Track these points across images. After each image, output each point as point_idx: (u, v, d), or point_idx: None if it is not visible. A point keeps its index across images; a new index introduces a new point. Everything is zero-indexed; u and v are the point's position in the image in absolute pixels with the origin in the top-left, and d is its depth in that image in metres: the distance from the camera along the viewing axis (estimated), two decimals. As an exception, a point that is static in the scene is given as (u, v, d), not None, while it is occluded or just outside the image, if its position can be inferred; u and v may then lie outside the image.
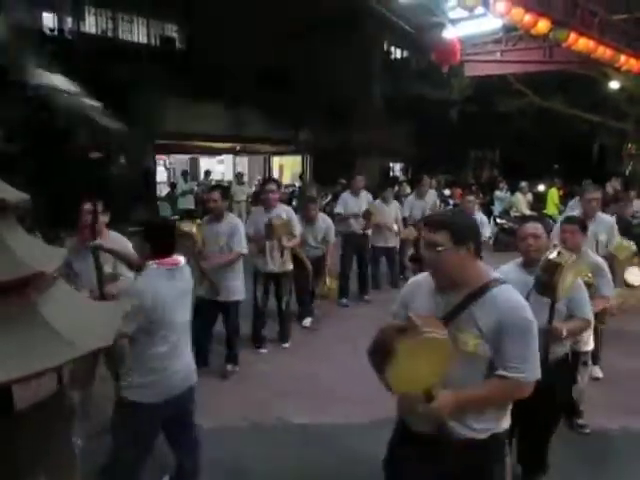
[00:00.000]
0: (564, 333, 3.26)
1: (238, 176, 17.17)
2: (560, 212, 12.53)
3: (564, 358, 3.50)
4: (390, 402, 2.48)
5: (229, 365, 5.56)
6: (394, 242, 8.81)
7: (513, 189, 14.82)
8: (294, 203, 16.54)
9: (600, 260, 4.23)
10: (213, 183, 17.58)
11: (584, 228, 4.03)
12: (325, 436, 4.28)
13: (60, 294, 1.63)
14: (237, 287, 5.45)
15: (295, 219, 6.38)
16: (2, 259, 1.47)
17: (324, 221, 7.30)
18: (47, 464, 1.71)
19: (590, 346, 4.21)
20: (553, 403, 3.40)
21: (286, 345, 6.36)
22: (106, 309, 1.74)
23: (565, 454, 3.90)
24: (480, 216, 7.62)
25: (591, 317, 3.48)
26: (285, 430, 4.40)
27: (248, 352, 6.00)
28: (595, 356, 4.93)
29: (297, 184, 21.12)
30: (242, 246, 5.38)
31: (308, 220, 7.13)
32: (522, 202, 13.99)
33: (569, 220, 4.14)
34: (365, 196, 8.51)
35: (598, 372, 5.33)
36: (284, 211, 6.23)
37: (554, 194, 14.08)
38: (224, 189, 5.90)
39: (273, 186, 6.28)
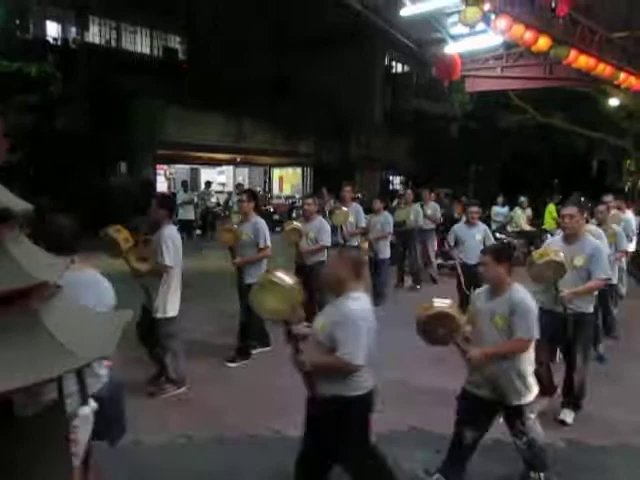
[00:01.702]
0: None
1: (238, 187, 17.23)
2: (558, 226, 12.57)
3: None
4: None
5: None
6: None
7: (512, 204, 14.80)
8: (294, 214, 16.55)
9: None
10: (213, 194, 17.70)
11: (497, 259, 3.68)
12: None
13: (62, 304, 1.63)
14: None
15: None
16: (6, 269, 1.48)
17: (320, 221, 7.27)
18: (45, 475, 1.70)
19: None
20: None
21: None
22: (108, 319, 1.74)
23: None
24: (484, 228, 7.72)
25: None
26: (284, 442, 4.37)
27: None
28: None
29: (297, 196, 21.20)
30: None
31: (305, 217, 7.31)
32: (521, 217, 13.99)
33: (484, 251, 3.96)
34: (355, 207, 8.52)
35: None
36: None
37: (552, 209, 14.09)
38: (252, 193, 6.71)
39: (310, 200, 7.27)
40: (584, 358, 4.78)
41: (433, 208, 10.75)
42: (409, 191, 10.78)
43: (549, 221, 13.81)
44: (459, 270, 7.51)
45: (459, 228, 7.78)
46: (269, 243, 6.06)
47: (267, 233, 6.07)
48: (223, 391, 5.32)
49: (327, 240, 7.02)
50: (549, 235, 12.78)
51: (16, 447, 1.60)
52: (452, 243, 7.69)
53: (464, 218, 8.06)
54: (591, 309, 4.81)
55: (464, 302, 7.08)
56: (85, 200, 6.44)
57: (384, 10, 10.34)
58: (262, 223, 6.09)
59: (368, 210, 8.92)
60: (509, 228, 13.89)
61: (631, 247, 8.11)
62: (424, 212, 10.40)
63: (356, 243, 8.29)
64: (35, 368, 1.42)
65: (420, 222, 10.13)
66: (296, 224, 7.11)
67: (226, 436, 4.41)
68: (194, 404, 4.94)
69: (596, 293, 4.95)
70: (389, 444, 3.61)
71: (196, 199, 16.69)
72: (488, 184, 19.82)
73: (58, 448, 1.71)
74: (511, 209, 14.56)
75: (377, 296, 8.18)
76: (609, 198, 13.06)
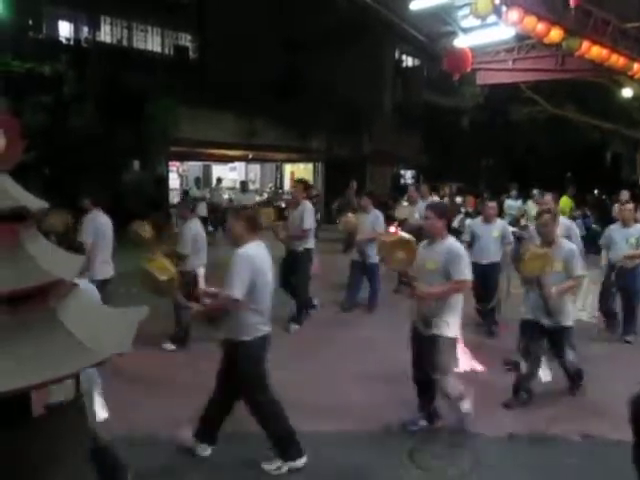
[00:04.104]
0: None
1: (243, 184, 16.94)
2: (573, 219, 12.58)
3: None
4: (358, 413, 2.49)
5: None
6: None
7: (524, 197, 14.69)
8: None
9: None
10: (224, 190, 17.73)
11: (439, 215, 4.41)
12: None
13: (78, 301, 1.66)
14: None
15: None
16: (23, 266, 1.50)
17: (304, 205, 7.41)
18: (63, 471, 1.73)
19: None
20: None
21: None
22: (124, 316, 1.77)
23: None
24: (503, 224, 7.69)
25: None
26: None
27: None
28: None
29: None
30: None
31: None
32: (534, 210, 13.86)
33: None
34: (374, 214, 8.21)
35: None
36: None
37: (566, 202, 13.97)
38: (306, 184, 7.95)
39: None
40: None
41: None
42: (412, 187, 10.29)
43: (563, 213, 13.65)
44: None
45: (475, 224, 7.54)
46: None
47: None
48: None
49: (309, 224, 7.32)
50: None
51: (33, 443, 1.63)
52: (468, 239, 7.17)
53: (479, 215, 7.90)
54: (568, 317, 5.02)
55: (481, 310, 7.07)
56: (98, 197, 6.61)
57: (394, 4, 10.28)
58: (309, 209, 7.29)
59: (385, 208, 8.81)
60: (522, 221, 13.80)
61: None
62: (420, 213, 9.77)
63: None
64: (54, 365, 1.44)
65: None
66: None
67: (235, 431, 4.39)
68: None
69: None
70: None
71: (208, 196, 16.74)
72: (500, 178, 19.66)
73: (74, 445, 1.74)
74: (524, 202, 14.46)
75: (370, 304, 8.13)
76: (626, 195, 13.02)
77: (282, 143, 18.75)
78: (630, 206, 7.09)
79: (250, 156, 19.56)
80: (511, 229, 13.37)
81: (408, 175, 25.85)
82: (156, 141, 14.39)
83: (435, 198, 10.48)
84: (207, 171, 20.18)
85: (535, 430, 4.49)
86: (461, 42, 9.94)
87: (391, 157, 21.61)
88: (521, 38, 10.48)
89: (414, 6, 9.05)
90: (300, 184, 7.75)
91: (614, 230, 7.03)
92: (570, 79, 13.04)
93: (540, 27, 7.82)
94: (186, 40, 18.61)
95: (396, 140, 20.93)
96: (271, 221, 7.30)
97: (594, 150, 22.21)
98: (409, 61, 25.71)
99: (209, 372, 4.04)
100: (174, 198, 17.49)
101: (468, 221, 9.32)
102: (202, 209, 15.81)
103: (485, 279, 6.71)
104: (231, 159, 19.86)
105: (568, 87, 16.28)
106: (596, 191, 19.31)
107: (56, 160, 12.23)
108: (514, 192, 14.96)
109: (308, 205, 7.33)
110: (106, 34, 16.75)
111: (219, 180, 17.73)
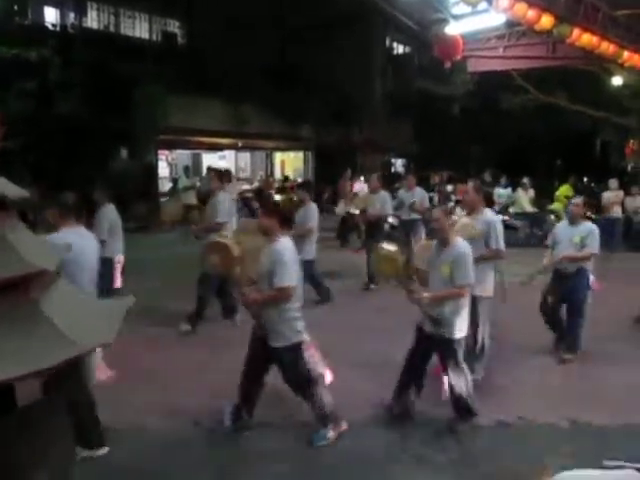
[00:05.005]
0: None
1: (226, 173, 16.20)
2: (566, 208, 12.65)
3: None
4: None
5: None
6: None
7: (514, 185, 14.73)
8: (295, 198, 16.46)
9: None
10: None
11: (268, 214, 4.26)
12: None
13: (61, 292, 1.63)
14: None
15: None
16: (4, 257, 1.47)
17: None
18: (49, 461, 1.71)
19: None
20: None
21: None
22: (109, 307, 1.74)
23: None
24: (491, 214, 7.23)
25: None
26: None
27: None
28: None
29: (299, 179, 21.16)
30: None
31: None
32: (524, 198, 13.93)
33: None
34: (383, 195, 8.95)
35: None
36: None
37: (567, 190, 14.02)
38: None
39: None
40: None
41: (420, 195, 9.48)
42: (374, 175, 9.61)
43: (560, 201, 13.68)
44: None
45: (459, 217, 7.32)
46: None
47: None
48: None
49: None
50: (552, 216, 12.74)
51: (18, 434, 1.61)
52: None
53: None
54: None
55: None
56: (86, 185, 6.51)
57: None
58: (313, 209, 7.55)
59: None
60: (512, 209, 13.84)
61: None
62: (406, 201, 9.34)
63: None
64: (36, 357, 1.41)
65: (388, 211, 9.23)
66: None
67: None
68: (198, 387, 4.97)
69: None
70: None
71: (198, 184, 16.62)
72: (490, 165, 19.65)
73: (59, 435, 1.72)
74: (514, 190, 14.50)
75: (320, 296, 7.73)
76: (614, 184, 13.08)
77: (272, 131, 18.66)
78: (578, 201, 5.99)
79: (240, 144, 19.45)
80: (500, 217, 13.51)
81: (399, 163, 25.83)
82: (145, 129, 14.25)
83: (419, 189, 9.73)
84: (197, 159, 20.05)
85: (524, 417, 4.53)
86: (452, 29, 9.86)
87: (382, 145, 21.56)
88: (512, 25, 10.43)
89: (405, -7, 8.99)
90: (213, 172, 7.37)
91: (560, 227, 6.11)
92: (561, 66, 13.02)
93: (531, 13, 7.76)
94: (174, 27, 18.41)
95: (387, 128, 20.87)
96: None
97: (584, 137, 22.28)
98: (400, 49, 25.61)
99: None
100: (164, 187, 17.38)
101: (458, 210, 9.26)
102: (191, 197, 15.69)
103: None
104: (221, 147, 19.74)
105: (559, 75, 16.28)
106: (585, 179, 19.41)
107: (41, 147, 12.09)
108: (503, 180, 14.99)
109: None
110: (93, 20, 16.53)
111: (209, 169, 17.59)
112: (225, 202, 6.73)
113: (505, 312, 6.06)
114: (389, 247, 4.89)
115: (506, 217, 13.42)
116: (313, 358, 4.28)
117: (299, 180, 20.90)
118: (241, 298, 4.31)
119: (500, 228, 5.28)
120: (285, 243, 4.07)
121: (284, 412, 4.52)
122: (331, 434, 4.11)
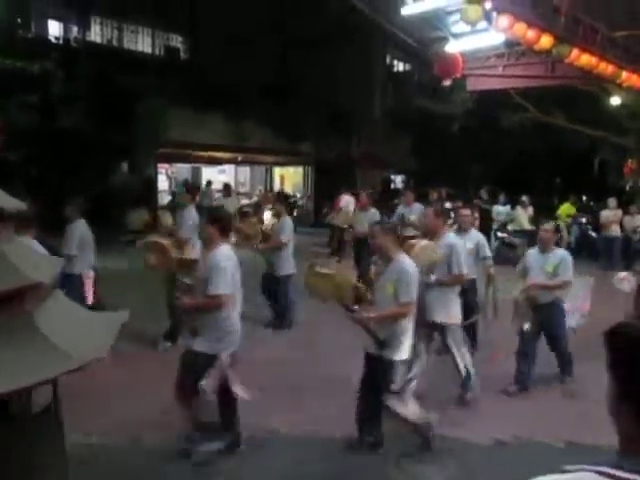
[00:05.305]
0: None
1: (225, 188, 15.06)
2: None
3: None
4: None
5: None
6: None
7: (513, 203, 14.77)
8: (295, 213, 16.51)
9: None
10: (214, 193, 17.61)
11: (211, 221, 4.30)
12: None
13: (56, 305, 1.62)
14: None
15: None
16: (1, 269, 1.46)
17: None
18: (41, 473, 1.70)
19: None
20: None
21: None
22: (103, 320, 1.73)
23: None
24: (476, 234, 6.71)
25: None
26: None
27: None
28: None
29: (298, 195, 21.20)
30: None
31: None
32: (523, 216, 13.96)
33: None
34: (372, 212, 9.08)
35: None
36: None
37: (568, 209, 14.18)
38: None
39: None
40: None
41: (418, 211, 8.90)
42: (364, 193, 9.51)
43: (562, 219, 13.88)
44: None
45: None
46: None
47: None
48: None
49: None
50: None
51: (12, 447, 1.59)
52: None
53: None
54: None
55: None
56: (88, 199, 6.53)
57: (385, 9, 10.29)
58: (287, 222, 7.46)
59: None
60: (510, 227, 13.86)
61: None
62: (405, 217, 9.09)
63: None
64: (30, 370, 1.40)
65: None
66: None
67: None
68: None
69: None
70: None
71: (198, 198, 16.60)
72: (489, 183, 19.69)
73: (53, 447, 1.70)
74: (512, 208, 14.53)
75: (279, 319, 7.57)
76: (613, 202, 13.14)
77: (272, 146, 18.73)
78: (549, 227, 5.73)
79: (239, 159, 19.52)
80: (499, 234, 13.56)
81: (398, 180, 25.89)
82: (146, 142, 14.31)
83: (418, 205, 9.41)
84: (196, 173, 20.11)
85: (520, 437, 4.50)
86: (452, 47, 9.96)
87: (381, 161, 21.64)
88: (511, 44, 10.53)
89: (405, 11, 9.05)
90: (186, 186, 8.43)
91: (531, 255, 5.78)
92: (560, 86, 13.11)
93: (530, 34, 7.84)
94: (177, 41, 18.56)
95: (386, 145, 20.96)
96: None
97: (583, 156, 22.35)
98: (400, 66, 25.79)
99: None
100: (163, 200, 17.40)
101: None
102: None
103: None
104: (220, 161, 19.81)
105: (558, 94, 16.38)
106: (584, 197, 19.47)
107: (43, 160, 12.11)
108: (502, 198, 15.03)
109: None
110: (96, 34, 16.66)
111: (209, 183, 17.62)
112: (190, 219, 6.73)
113: (499, 331, 6.05)
114: (323, 269, 4.56)
115: (505, 234, 13.46)
116: (225, 374, 3.97)
117: (298, 195, 21.00)
118: (177, 302, 4.37)
119: (462, 252, 5.20)
120: (224, 251, 4.06)
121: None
122: (213, 447, 4.04)
